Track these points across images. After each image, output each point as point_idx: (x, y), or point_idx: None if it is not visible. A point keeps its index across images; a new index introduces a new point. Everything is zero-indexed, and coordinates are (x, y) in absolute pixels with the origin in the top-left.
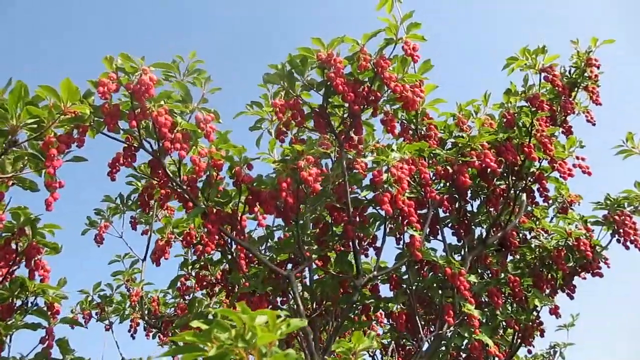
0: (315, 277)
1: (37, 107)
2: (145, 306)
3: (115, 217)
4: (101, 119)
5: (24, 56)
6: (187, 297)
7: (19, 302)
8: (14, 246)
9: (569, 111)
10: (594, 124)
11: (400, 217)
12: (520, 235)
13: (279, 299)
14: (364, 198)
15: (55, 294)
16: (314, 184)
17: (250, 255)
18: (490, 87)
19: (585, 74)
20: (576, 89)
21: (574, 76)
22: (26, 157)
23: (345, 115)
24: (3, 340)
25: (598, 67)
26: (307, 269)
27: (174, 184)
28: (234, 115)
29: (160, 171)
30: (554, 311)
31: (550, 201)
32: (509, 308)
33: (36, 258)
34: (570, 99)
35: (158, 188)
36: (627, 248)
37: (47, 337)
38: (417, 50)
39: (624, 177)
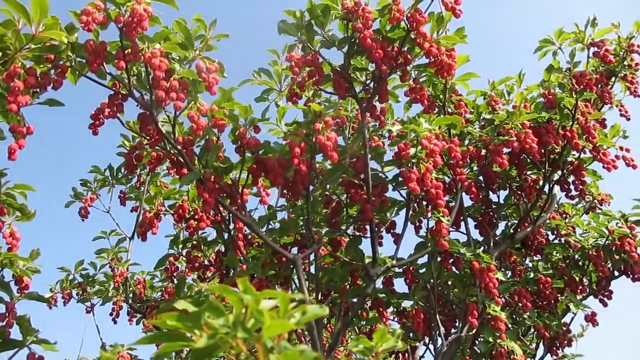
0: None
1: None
2: (130, 288)
3: (103, 190)
4: (84, 60)
5: None
6: (175, 280)
7: None
8: None
9: (606, 100)
10: (628, 119)
11: (424, 201)
12: (543, 234)
13: (278, 287)
14: (385, 176)
15: (25, 266)
16: (332, 152)
17: (250, 236)
18: (522, 64)
19: (625, 62)
20: (613, 78)
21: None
22: None
23: (368, 81)
24: None
25: None
26: (312, 254)
27: (167, 143)
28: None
29: (151, 127)
30: (591, 318)
31: (579, 197)
32: (536, 313)
33: None
34: (608, 88)
35: (148, 148)
36: None
37: (6, 313)
38: (460, 4)
39: None
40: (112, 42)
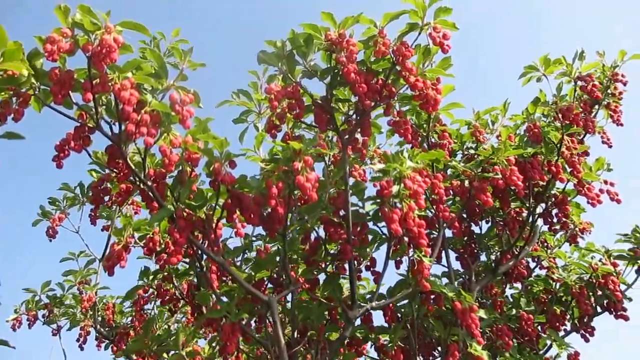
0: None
1: None
2: (99, 313)
3: (73, 209)
4: (49, 88)
5: None
6: (145, 310)
7: None
8: None
9: (589, 130)
10: (610, 146)
11: (406, 239)
12: (524, 263)
13: (253, 324)
14: (365, 212)
15: None
16: (312, 192)
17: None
18: (504, 97)
19: (609, 91)
20: (597, 106)
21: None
22: None
23: (351, 112)
24: None
25: (625, 84)
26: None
27: (137, 178)
28: (216, 104)
29: (120, 161)
30: (574, 358)
31: (562, 229)
32: (517, 350)
33: None
34: (591, 117)
35: (116, 182)
36: None
37: None
38: (448, 39)
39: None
40: (80, 69)
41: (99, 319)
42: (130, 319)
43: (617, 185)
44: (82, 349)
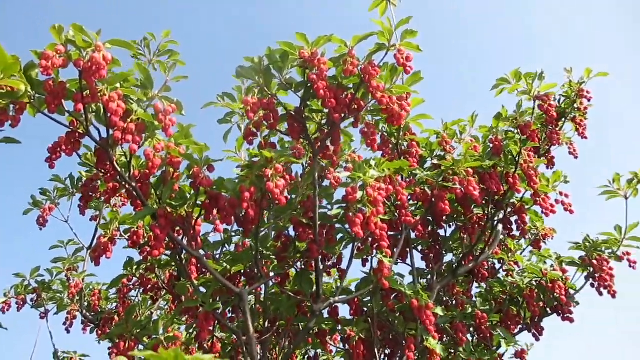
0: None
1: None
2: (85, 299)
3: (63, 199)
4: (43, 97)
5: None
6: (129, 297)
7: None
8: None
9: (554, 142)
10: (576, 157)
11: (370, 240)
12: (489, 264)
13: (228, 313)
14: (333, 215)
15: None
16: (280, 197)
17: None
18: (477, 107)
19: (575, 105)
20: (563, 119)
21: (562, 105)
22: None
23: (324, 122)
24: None
25: (589, 100)
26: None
27: (122, 179)
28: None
29: (107, 163)
30: (520, 355)
31: (521, 236)
32: (472, 345)
33: None
34: (557, 129)
35: (104, 181)
36: (601, 294)
37: None
38: (411, 60)
39: (597, 213)
40: (72, 80)
41: (85, 304)
42: (115, 305)
43: (571, 197)
44: (68, 332)
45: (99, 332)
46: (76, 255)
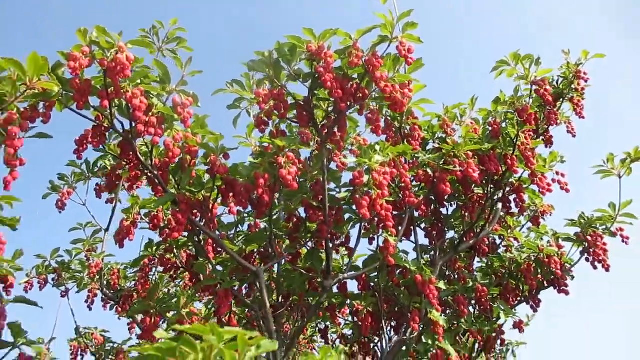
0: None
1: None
2: (105, 277)
3: (79, 183)
4: (70, 94)
5: None
6: (149, 276)
7: None
8: None
9: (552, 122)
10: (574, 136)
11: (376, 220)
12: (490, 239)
13: (244, 290)
14: (341, 197)
15: (10, 266)
16: (293, 183)
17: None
18: (477, 89)
19: (572, 86)
20: (561, 99)
21: (560, 87)
22: None
23: (330, 109)
24: None
25: (586, 81)
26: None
27: (145, 167)
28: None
29: (130, 153)
30: (518, 325)
31: (519, 214)
32: (473, 317)
33: None
34: (555, 110)
35: (127, 170)
36: (595, 268)
37: None
38: (412, 52)
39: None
40: (95, 77)
41: (105, 283)
42: (134, 283)
43: (567, 176)
44: (90, 309)
45: (119, 308)
46: (94, 236)
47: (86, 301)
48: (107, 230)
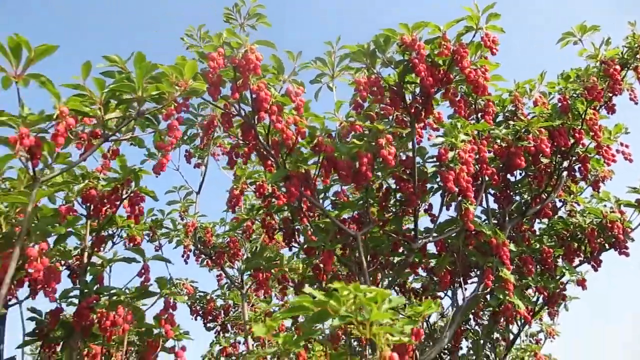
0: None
1: (160, 83)
2: (199, 234)
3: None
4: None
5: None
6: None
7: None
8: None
9: (616, 92)
10: (636, 103)
11: (457, 189)
12: (552, 204)
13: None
14: (427, 171)
15: (136, 228)
16: (392, 161)
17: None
18: (545, 61)
19: (638, 56)
20: (626, 68)
21: (625, 56)
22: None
23: (417, 90)
24: (104, 271)
25: None
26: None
27: (264, 147)
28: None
29: (250, 135)
30: (581, 282)
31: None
32: (539, 275)
33: (139, 205)
34: (619, 79)
35: (244, 148)
36: None
37: (143, 271)
38: (497, 43)
39: None
40: (223, 71)
41: (198, 238)
42: (224, 239)
43: (631, 147)
44: (186, 263)
45: (209, 262)
46: (187, 199)
47: (182, 256)
48: (198, 193)
